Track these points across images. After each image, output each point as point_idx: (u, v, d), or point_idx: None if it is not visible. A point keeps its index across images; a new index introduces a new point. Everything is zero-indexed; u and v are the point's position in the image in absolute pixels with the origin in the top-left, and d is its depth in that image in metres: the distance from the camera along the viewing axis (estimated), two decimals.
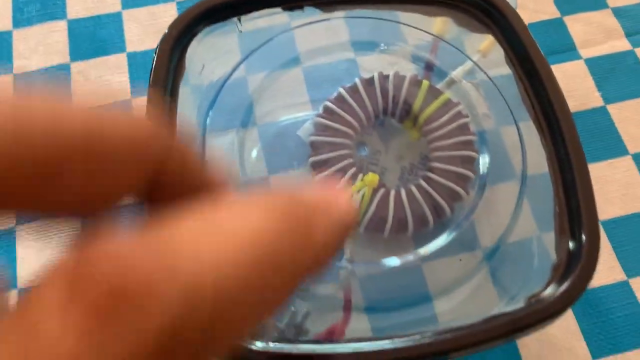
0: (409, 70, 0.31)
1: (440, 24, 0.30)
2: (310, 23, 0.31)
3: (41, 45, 0.33)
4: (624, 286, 0.28)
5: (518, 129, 0.28)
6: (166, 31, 0.26)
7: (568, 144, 0.24)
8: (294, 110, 0.31)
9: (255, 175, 0.30)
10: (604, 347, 0.27)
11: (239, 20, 0.27)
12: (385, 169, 0.30)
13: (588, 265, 0.22)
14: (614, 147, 0.31)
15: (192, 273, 0.08)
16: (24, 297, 0.08)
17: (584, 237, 0.22)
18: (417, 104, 0.29)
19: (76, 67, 0.33)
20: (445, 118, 0.28)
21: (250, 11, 0.27)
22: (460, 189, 0.27)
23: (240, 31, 0.28)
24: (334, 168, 0.28)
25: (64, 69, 0.33)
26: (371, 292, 0.26)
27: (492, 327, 0.21)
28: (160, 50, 0.25)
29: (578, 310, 0.28)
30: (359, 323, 0.25)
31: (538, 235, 0.27)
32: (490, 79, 0.28)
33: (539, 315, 0.21)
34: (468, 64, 0.30)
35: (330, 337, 0.23)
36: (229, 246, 0.08)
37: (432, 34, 0.30)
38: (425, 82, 0.29)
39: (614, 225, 0.30)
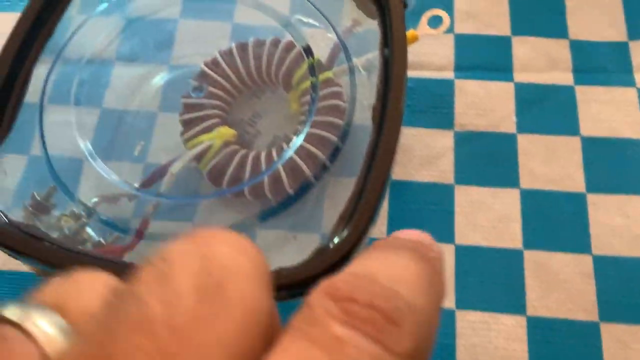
0: (321, 47, 0.31)
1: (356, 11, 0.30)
2: None
3: None
4: (447, 315, 0.26)
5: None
6: None
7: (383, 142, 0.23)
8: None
9: (145, 108, 0.31)
10: None
11: None
12: (260, 132, 0.30)
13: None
14: (507, 177, 0.29)
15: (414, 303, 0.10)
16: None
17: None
18: (296, 75, 0.29)
19: None
20: (319, 94, 0.28)
21: None
22: (307, 169, 0.27)
23: None
24: (197, 128, 0.28)
25: None
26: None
27: None
28: None
29: None
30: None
31: None
32: (366, 72, 0.28)
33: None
34: (369, 55, 0.29)
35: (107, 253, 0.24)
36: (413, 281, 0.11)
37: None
38: (311, 60, 0.29)
39: (469, 253, 0.28)
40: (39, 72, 0.28)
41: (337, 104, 0.28)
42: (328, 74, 0.28)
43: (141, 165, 0.30)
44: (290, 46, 0.29)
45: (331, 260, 0.21)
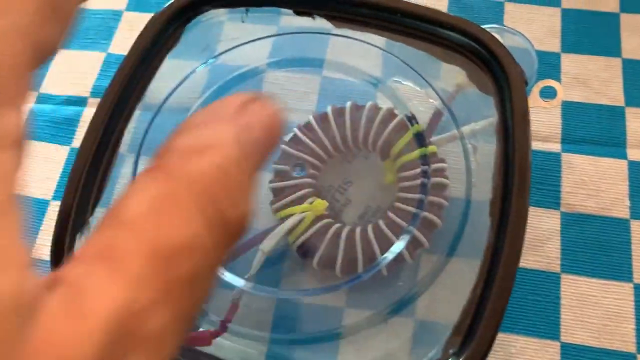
0: (421, 111, 0.29)
1: (462, 77, 0.28)
2: (350, 38, 0.30)
3: None
4: None
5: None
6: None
7: (507, 245, 0.21)
8: (295, 115, 0.30)
9: None
10: None
11: (247, 11, 0.27)
12: (350, 201, 0.28)
13: None
14: (619, 268, 0.27)
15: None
16: None
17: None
18: (396, 147, 0.27)
19: None
20: (419, 170, 0.26)
21: (260, 5, 0.27)
22: (408, 256, 0.25)
23: (243, 21, 0.27)
24: (289, 198, 0.27)
25: None
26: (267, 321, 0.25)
27: None
28: (152, 20, 0.26)
29: None
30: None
31: None
32: (471, 145, 0.26)
33: None
34: (476, 125, 0.27)
35: (193, 342, 0.23)
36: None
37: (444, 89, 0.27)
38: (416, 127, 0.27)
39: (574, 352, 0.25)
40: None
41: (443, 183, 0.26)
42: (433, 148, 0.27)
43: None
44: (390, 113, 0.27)
45: None
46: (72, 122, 0.32)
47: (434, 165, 0.26)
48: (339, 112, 0.28)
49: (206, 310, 0.24)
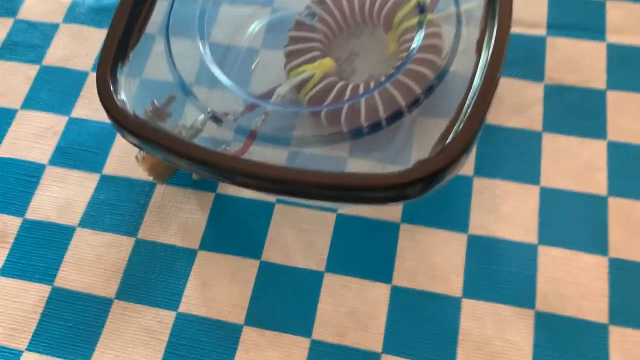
0: None
1: None
2: None
3: None
4: (530, 249, 0.27)
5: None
6: None
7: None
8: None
9: (248, 45, 0.33)
10: (479, 292, 0.27)
11: None
12: (356, 70, 0.32)
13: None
14: (596, 129, 0.30)
15: None
16: None
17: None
18: (398, 15, 0.30)
19: None
20: (419, 34, 0.29)
21: None
22: (401, 99, 0.28)
23: None
24: (301, 59, 0.30)
25: None
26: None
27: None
28: None
29: (472, 251, 0.27)
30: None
31: None
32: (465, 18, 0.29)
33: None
34: (471, 4, 0.31)
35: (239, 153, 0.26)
36: None
37: None
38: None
39: (554, 195, 0.28)
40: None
41: (436, 44, 0.29)
42: (430, 16, 0.30)
43: (241, 96, 0.32)
44: None
45: (431, 169, 0.22)
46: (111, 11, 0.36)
47: (431, 29, 0.30)
48: None
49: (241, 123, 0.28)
